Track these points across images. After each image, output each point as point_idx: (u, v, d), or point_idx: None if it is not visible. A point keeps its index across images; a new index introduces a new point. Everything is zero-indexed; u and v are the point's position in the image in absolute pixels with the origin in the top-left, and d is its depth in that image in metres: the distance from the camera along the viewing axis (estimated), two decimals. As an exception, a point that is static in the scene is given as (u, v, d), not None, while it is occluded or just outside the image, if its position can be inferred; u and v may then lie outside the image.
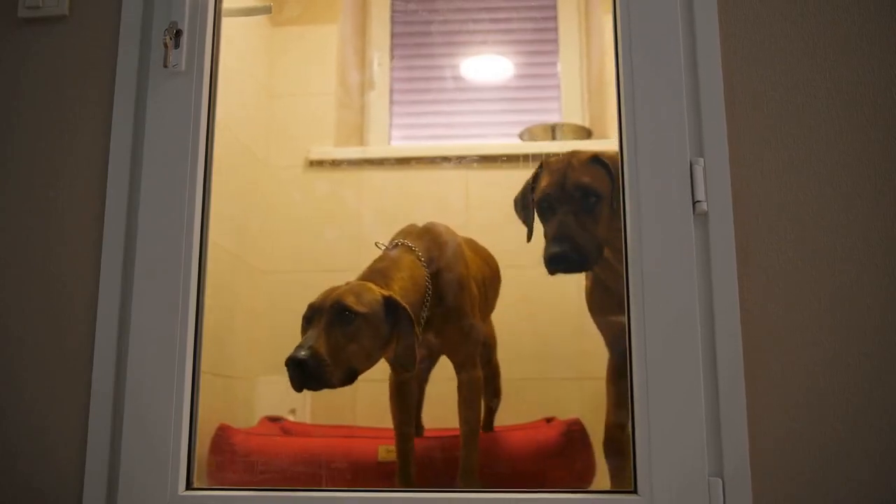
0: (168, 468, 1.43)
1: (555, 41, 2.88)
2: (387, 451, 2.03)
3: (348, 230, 2.63)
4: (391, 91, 2.87)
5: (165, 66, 1.52)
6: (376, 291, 1.68)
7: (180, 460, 1.44)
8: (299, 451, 2.04)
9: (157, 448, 1.43)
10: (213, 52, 1.58)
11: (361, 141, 2.85)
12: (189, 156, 1.51)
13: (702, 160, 1.42)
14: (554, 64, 2.87)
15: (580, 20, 2.87)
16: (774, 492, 1.34)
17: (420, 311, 1.76)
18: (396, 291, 1.71)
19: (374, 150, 2.81)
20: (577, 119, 2.81)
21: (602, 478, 2.02)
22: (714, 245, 1.41)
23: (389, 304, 1.67)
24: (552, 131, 2.73)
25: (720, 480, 1.34)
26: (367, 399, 2.60)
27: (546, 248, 1.75)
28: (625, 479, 1.82)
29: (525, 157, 2.67)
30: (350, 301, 1.64)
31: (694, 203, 1.41)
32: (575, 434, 2.07)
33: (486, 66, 2.86)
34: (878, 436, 1.34)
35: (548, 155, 1.92)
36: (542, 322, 2.52)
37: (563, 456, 2.04)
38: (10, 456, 1.48)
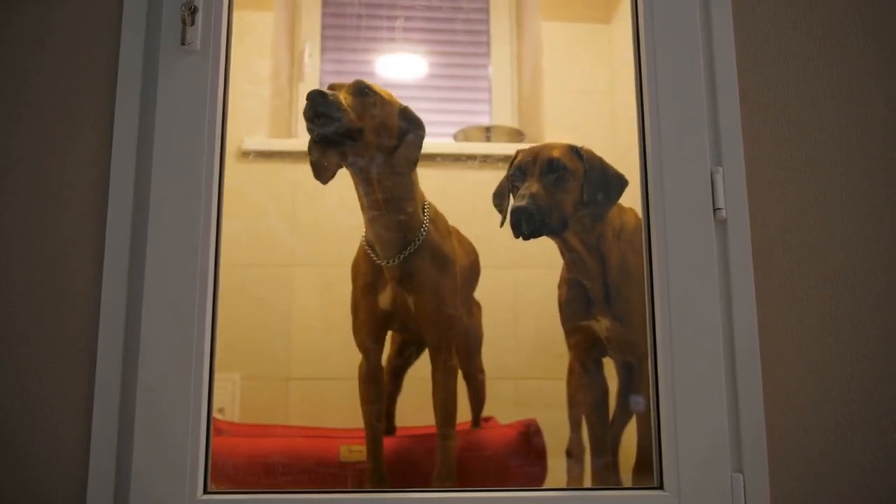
0: (186, 471, 1.34)
1: (486, 44, 2.90)
2: (349, 451, 1.99)
3: (280, 223, 2.56)
4: (321, 83, 2.81)
5: (183, 44, 1.42)
6: (396, 100, 1.79)
7: (198, 463, 1.35)
8: (258, 452, 1.97)
9: (173, 451, 1.34)
10: (228, 31, 1.50)
11: (289, 133, 2.77)
12: (206, 141, 1.43)
13: (721, 169, 1.49)
14: (485, 66, 2.90)
15: (511, 24, 2.91)
16: (790, 485, 1.41)
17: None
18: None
19: (304, 143, 2.73)
20: (508, 121, 2.85)
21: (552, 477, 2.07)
22: (732, 250, 1.47)
23: (404, 112, 1.80)
24: (486, 133, 2.76)
25: (741, 475, 1.40)
26: (298, 397, 2.54)
27: (512, 208, 1.78)
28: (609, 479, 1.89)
29: (459, 158, 2.69)
30: (370, 83, 1.75)
31: (714, 210, 1.47)
32: (533, 434, 2.11)
33: (416, 64, 2.84)
34: (884, 433, 1.44)
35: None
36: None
37: (522, 455, 2.07)
38: (11, 456, 1.35)
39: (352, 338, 2.42)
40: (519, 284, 2.57)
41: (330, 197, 2.59)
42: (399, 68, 2.84)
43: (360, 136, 1.70)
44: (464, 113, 2.90)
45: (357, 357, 2.26)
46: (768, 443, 1.42)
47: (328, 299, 2.53)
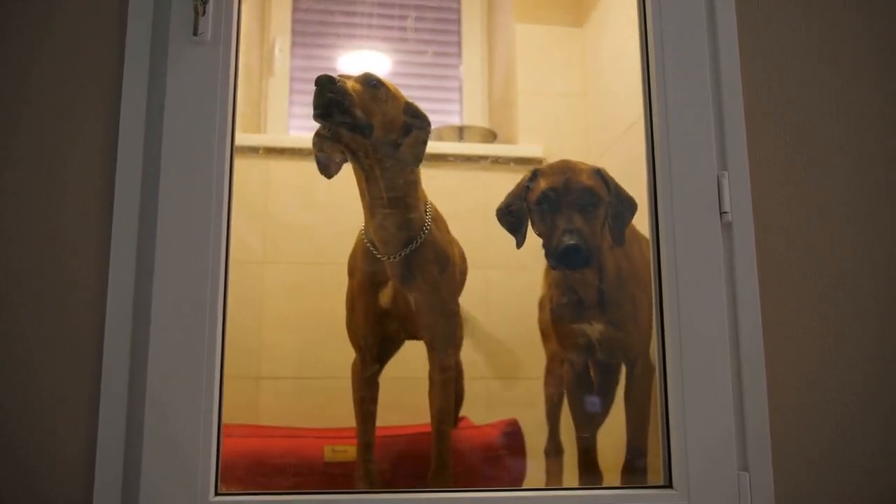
0: (197, 473, 1.30)
1: (457, 44, 2.90)
2: (333, 451, 1.97)
3: (250, 219, 2.52)
4: (291, 79, 2.78)
5: (195, 35, 1.39)
6: (402, 95, 1.78)
7: (210, 464, 1.32)
8: (244, 452, 1.93)
9: (183, 453, 1.31)
10: (238, 22, 1.46)
11: (259, 128, 2.73)
12: (216, 136, 1.39)
13: (727, 173, 1.51)
14: (456, 66, 2.90)
15: (483, 25, 2.91)
16: (793, 483, 1.45)
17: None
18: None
19: (273, 139, 2.70)
20: (479, 122, 2.85)
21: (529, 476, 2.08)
22: (737, 252, 1.50)
23: (409, 108, 1.77)
24: (459, 133, 2.76)
25: (747, 474, 1.43)
26: (269, 396, 2.50)
27: (556, 241, 1.75)
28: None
29: (434, 157, 2.68)
30: (379, 76, 1.73)
31: (721, 214, 1.50)
32: (515, 434, 2.11)
33: (386, 63, 2.83)
34: (884, 433, 1.49)
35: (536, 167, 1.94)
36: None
37: (504, 455, 2.08)
38: (15, 460, 1.29)
39: (322, 337, 2.39)
40: (490, 284, 2.58)
41: (301, 194, 2.56)
42: (369, 66, 2.81)
43: (368, 128, 1.66)
44: (434, 113, 2.87)
45: (330, 356, 2.23)
46: (772, 442, 1.45)
47: (299, 298, 2.49)
